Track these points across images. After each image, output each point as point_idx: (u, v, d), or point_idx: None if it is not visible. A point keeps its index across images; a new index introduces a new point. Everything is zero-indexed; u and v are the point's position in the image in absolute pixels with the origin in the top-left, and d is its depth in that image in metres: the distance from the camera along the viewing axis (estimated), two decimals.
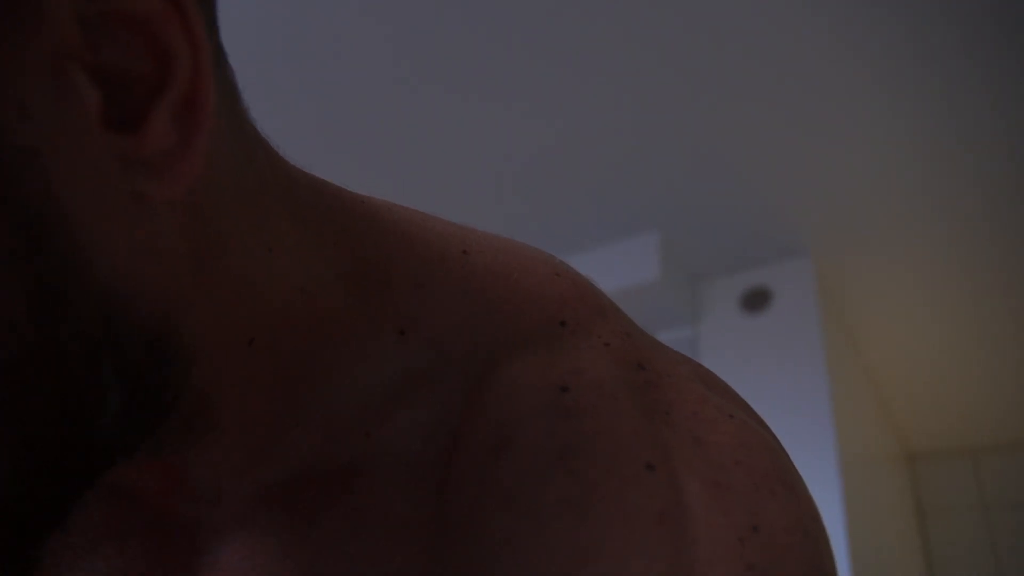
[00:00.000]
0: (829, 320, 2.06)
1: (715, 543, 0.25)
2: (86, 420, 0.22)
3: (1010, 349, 2.29)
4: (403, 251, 0.31)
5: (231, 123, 0.27)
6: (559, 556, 0.24)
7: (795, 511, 0.27)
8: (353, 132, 1.71)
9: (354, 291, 0.29)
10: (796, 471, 0.29)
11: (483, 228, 2.04)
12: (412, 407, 0.28)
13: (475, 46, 1.52)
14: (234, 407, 0.28)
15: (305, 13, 1.43)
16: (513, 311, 0.30)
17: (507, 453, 0.26)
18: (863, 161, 1.74)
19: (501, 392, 0.28)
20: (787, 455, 0.29)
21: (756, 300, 2.07)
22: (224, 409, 0.28)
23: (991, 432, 2.63)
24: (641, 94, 1.61)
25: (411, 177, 1.83)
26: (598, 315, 0.31)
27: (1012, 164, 1.70)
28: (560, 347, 0.29)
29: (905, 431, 2.70)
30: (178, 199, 0.23)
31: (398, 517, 0.26)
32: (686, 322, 2.11)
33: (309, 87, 1.58)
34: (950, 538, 2.60)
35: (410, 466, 0.27)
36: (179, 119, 0.22)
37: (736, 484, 0.26)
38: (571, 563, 0.24)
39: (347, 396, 0.29)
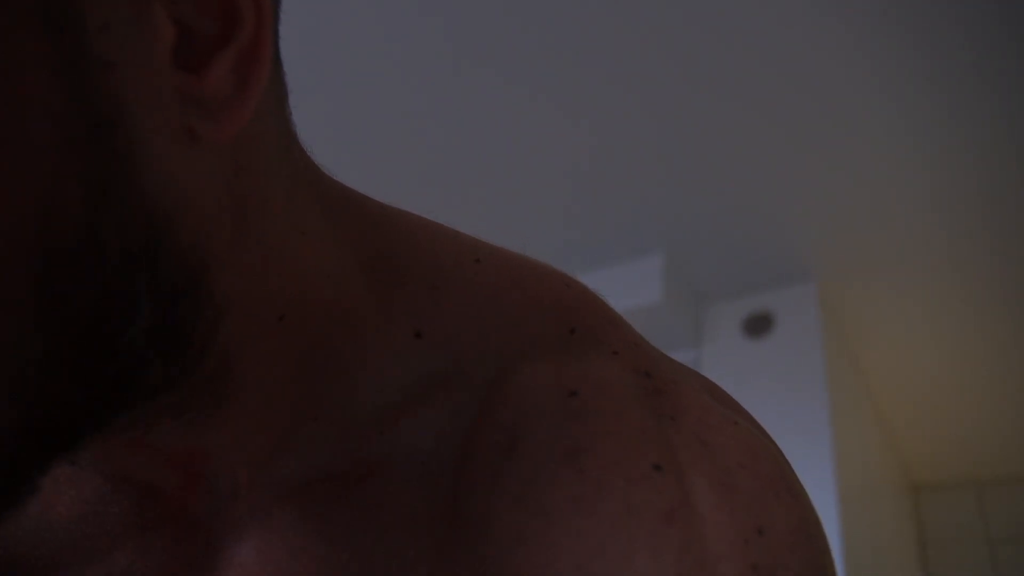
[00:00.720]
0: (831, 347, 2.05)
1: (721, 542, 0.25)
2: (116, 326, 0.22)
3: (1017, 380, 2.27)
4: (419, 255, 0.32)
5: (278, 116, 0.29)
6: (568, 553, 0.25)
7: (799, 515, 0.28)
8: (353, 131, 1.73)
9: (373, 288, 0.30)
10: (797, 477, 0.29)
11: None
12: (426, 408, 0.29)
13: (484, 63, 1.53)
14: (257, 383, 0.29)
15: (315, 10, 1.44)
16: (524, 317, 0.31)
17: (517, 454, 0.27)
18: (868, 187, 1.74)
19: (512, 396, 0.28)
20: (788, 462, 0.30)
21: (759, 325, 2.06)
22: (247, 382, 0.28)
23: (996, 464, 2.60)
24: (646, 115, 1.62)
25: (414, 190, 1.84)
26: (607, 324, 0.32)
27: (1020, 190, 1.69)
28: (569, 353, 0.30)
29: (909, 461, 2.67)
30: (226, 142, 0.25)
31: (410, 514, 0.27)
32: (688, 345, 2.10)
33: (302, 87, 1.60)
34: (953, 571, 2.56)
35: (423, 465, 0.28)
36: (237, 71, 0.24)
37: (742, 486, 0.27)
38: (580, 559, 0.25)
39: (364, 394, 0.30)
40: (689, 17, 1.40)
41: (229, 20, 0.24)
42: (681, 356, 2.12)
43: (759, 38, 1.43)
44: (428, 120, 1.66)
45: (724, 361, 2.06)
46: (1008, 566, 2.50)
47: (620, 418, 0.28)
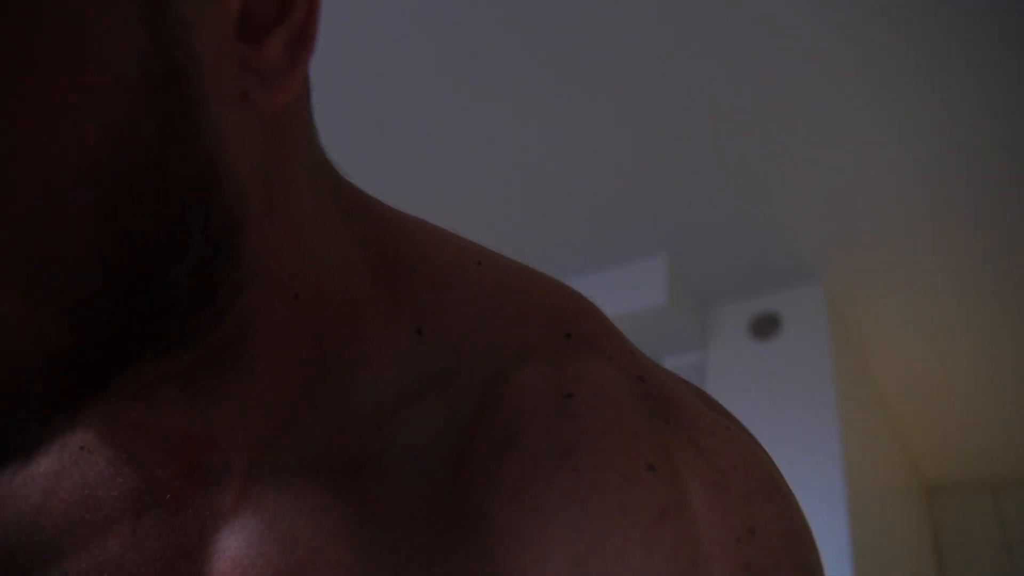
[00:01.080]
0: (839, 347, 2.03)
1: (714, 541, 0.26)
2: (165, 262, 0.24)
3: None
4: (423, 255, 0.33)
5: (306, 108, 0.30)
6: (564, 548, 0.26)
7: (789, 517, 0.28)
8: (369, 140, 1.72)
9: (378, 284, 0.31)
10: (786, 482, 0.30)
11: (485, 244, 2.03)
12: (424, 405, 0.30)
13: (485, 63, 1.53)
14: (268, 359, 0.29)
15: None
16: (522, 320, 0.32)
17: (514, 452, 0.28)
18: (873, 184, 1.72)
19: (510, 397, 0.29)
20: (777, 467, 0.31)
21: (765, 326, 2.04)
22: (258, 356, 0.29)
23: (1011, 465, 2.57)
24: (647, 114, 1.61)
25: (413, 189, 1.84)
26: (602, 331, 0.33)
27: None
28: (565, 356, 0.31)
29: (921, 462, 2.64)
30: (274, 111, 0.27)
31: (406, 510, 0.27)
32: (694, 347, 2.09)
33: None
34: (970, 574, 2.53)
35: (419, 462, 0.28)
36: (288, 49, 0.27)
37: (734, 487, 0.27)
38: (576, 555, 0.25)
39: (364, 389, 0.30)
40: (692, 24, 1.39)
41: (284, 5, 0.26)
42: (687, 359, 2.10)
43: (761, 42, 1.42)
44: (430, 126, 1.66)
45: (731, 363, 2.05)
46: None
47: (614, 419, 0.28)
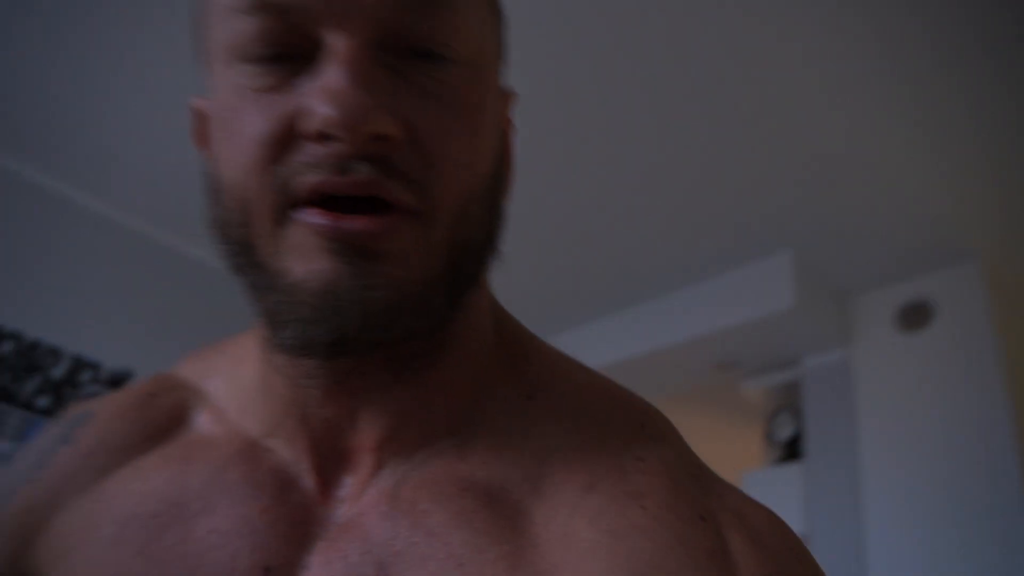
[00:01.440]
0: (1009, 332, 1.81)
1: None
2: (490, 247, 0.38)
3: None
4: (537, 350, 0.44)
5: None
6: (628, 563, 0.32)
7: (818, 574, 0.36)
8: None
9: (505, 353, 0.42)
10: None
11: (601, 255, 2.01)
12: (524, 450, 0.38)
13: (597, 60, 1.50)
14: (446, 373, 0.39)
15: None
16: (608, 412, 0.41)
17: (594, 492, 0.36)
18: None
19: (591, 454, 0.38)
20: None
21: (915, 316, 1.86)
22: (444, 367, 0.39)
23: None
24: (761, 101, 1.50)
25: (542, 200, 1.82)
26: (669, 430, 0.42)
27: None
28: (639, 440, 0.39)
29: None
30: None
31: (495, 525, 0.35)
32: (834, 345, 1.93)
33: None
34: None
35: (512, 492, 0.37)
36: (508, 168, 0.42)
37: (770, 545, 0.35)
38: (637, 570, 0.32)
39: (482, 429, 0.39)
40: (816, 22, 1.30)
41: (507, 146, 0.42)
42: (827, 358, 1.95)
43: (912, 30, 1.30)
44: (554, 137, 1.64)
45: (878, 360, 1.88)
46: None
47: (674, 479, 0.37)
